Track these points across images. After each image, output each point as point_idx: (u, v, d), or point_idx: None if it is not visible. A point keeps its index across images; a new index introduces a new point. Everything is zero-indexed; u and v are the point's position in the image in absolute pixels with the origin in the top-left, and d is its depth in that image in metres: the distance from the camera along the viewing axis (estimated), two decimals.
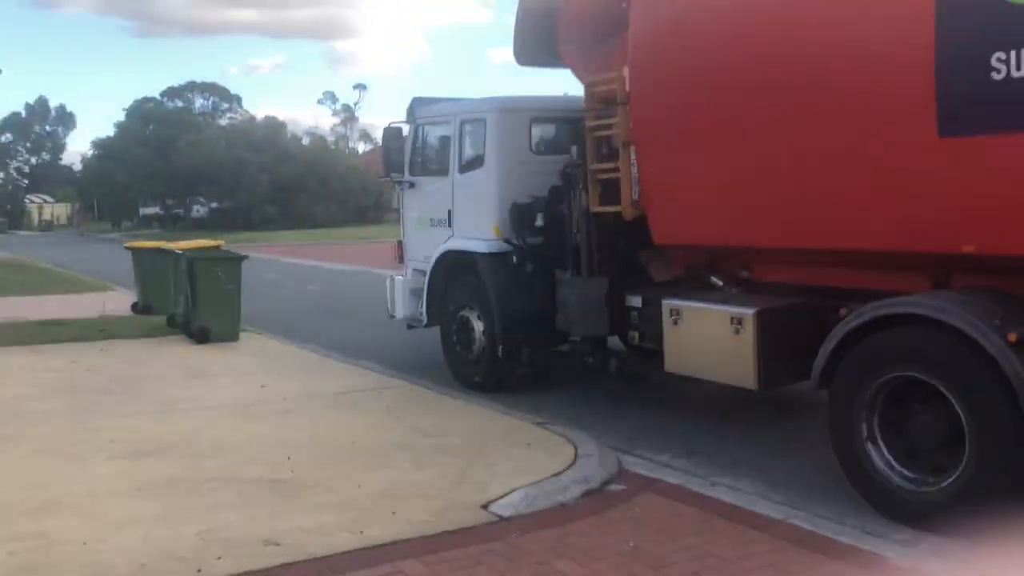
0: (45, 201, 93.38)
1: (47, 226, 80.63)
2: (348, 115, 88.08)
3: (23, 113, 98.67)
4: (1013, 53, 4.69)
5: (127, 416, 7.61)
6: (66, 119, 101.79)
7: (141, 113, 63.46)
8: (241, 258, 11.87)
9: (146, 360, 10.28)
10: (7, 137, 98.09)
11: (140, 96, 69.24)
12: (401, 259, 10.23)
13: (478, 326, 8.75)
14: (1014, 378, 4.62)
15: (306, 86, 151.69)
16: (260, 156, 48.84)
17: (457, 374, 9.08)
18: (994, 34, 4.79)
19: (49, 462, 6.29)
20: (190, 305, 11.56)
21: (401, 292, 9.95)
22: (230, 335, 11.64)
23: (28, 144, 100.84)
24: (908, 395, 5.23)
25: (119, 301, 16.33)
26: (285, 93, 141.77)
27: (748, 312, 6.32)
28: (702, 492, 5.68)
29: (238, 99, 74.44)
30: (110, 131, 67.84)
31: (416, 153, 9.80)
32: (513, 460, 6.14)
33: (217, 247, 12.74)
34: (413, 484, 5.72)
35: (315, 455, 6.38)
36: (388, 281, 10.29)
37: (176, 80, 70.74)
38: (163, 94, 69.18)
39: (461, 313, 8.95)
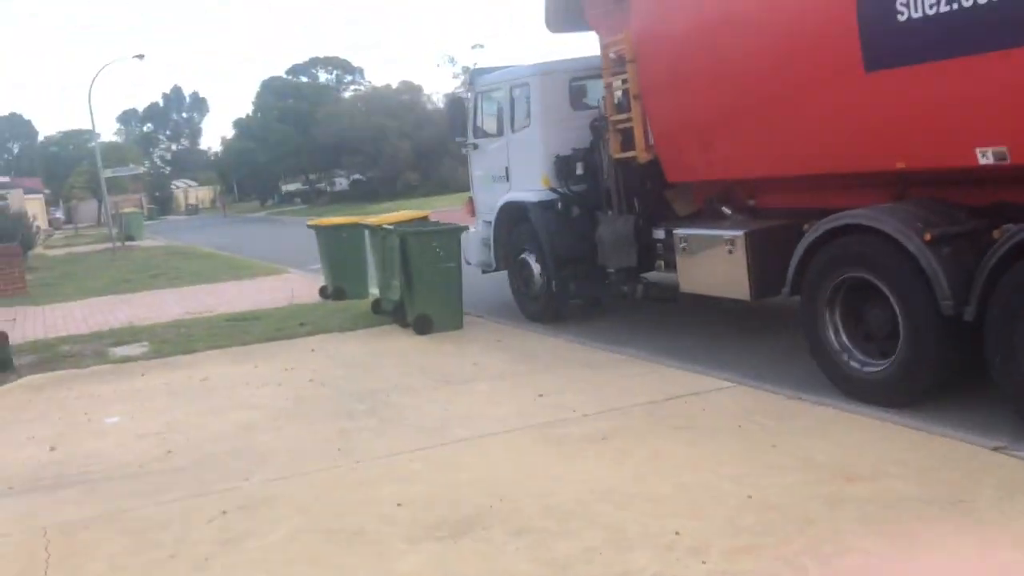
0: (189, 186, 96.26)
1: (193, 209, 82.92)
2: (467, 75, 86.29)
3: (161, 103, 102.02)
4: None
5: (394, 455, 5.62)
6: (200, 105, 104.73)
7: (274, 89, 63.26)
8: (460, 229, 9.84)
9: (371, 362, 8.38)
10: (149, 127, 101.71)
11: (267, 76, 69.44)
12: (473, 213, 11.34)
13: (535, 267, 9.79)
14: (929, 270, 5.42)
15: (418, 54, 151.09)
16: (399, 122, 47.13)
17: (523, 309, 10.21)
18: None
19: (329, 551, 4.30)
20: (405, 289, 9.62)
21: (475, 242, 10.95)
22: (454, 323, 9.68)
23: (168, 132, 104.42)
24: (859, 292, 6.11)
25: (302, 285, 14.78)
26: (400, 63, 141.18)
27: (739, 234, 7.24)
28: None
29: (360, 71, 73.83)
30: (241, 113, 68.30)
31: (477, 118, 10.95)
32: None
33: (424, 218, 10.76)
34: None
35: (710, 526, 4.17)
36: (463, 233, 10.66)
37: (299, 58, 70.20)
38: (288, 72, 69.05)
39: (521, 256, 10.03)
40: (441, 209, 33.09)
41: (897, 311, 5.72)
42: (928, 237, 5.41)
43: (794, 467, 4.80)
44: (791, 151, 6.72)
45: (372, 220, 11.19)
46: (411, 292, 9.60)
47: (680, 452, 5.21)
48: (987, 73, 5.19)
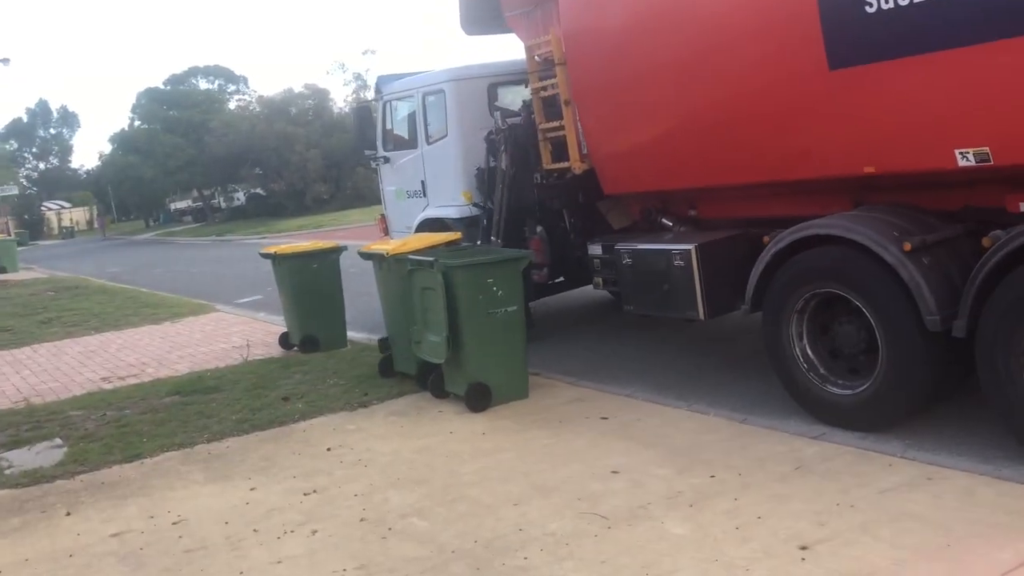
0: (62, 207, 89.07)
1: (69, 232, 76.37)
2: (362, 84, 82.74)
3: (25, 118, 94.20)
4: None
5: None
6: (70, 119, 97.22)
7: (156, 98, 58.03)
8: (523, 258, 6.97)
9: (438, 475, 5.33)
10: (12, 144, 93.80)
11: (143, 87, 63.83)
12: (386, 231, 10.70)
13: None
14: (911, 283, 4.92)
15: (303, 63, 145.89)
16: (306, 129, 43.08)
17: None
18: None
19: None
20: (448, 346, 6.68)
21: None
22: (518, 390, 6.84)
23: (34, 149, 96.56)
24: (830, 310, 5.61)
25: (248, 330, 11.57)
26: (285, 71, 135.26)
27: (689, 247, 6.58)
28: None
29: (244, 79, 69.08)
30: (116, 128, 62.51)
31: (387, 129, 10.31)
32: None
33: (455, 242, 7.80)
34: None
35: None
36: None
37: (176, 68, 64.79)
38: (166, 82, 63.75)
39: None
40: (351, 226, 30.00)
41: (876, 328, 5.22)
42: (907, 247, 4.96)
43: None
44: (742, 158, 6.13)
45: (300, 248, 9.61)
46: (458, 350, 6.68)
47: None
48: (969, 69, 4.70)
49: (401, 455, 5.83)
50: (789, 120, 5.77)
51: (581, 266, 8.15)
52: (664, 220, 7.39)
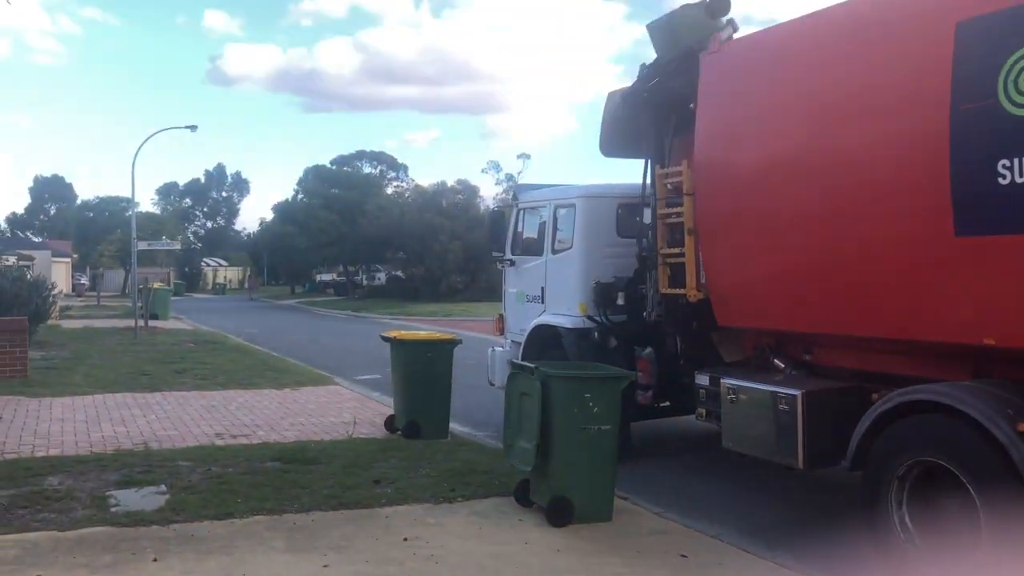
0: (220, 264, 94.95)
1: (220, 289, 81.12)
2: (512, 184, 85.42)
3: (202, 179, 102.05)
4: (1016, 160, 4.91)
5: None
6: (241, 186, 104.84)
7: (321, 176, 61.80)
8: (623, 378, 7.01)
9: None
10: (187, 202, 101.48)
11: (310, 165, 68.18)
12: (502, 331, 11.00)
13: None
14: (1021, 464, 4.69)
15: (460, 159, 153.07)
16: (452, 222, 44.91)
17: None
18: (999, 142, 5.02)
19: None
20: (536, 455, 6.74)
21: (500, 362, 10.40)
22: (601, 511, 6.79)
23: (205, 209, 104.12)
24: (933, 480, 5.34)
25: (359, 407, 11.99)
26: (442, 166, 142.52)
27: (796, 393, 6.41)
28: None
29: (404, 168, 72.85)
30: (279, 198, 66.43)
31: (517, 234, 10.66)
32: None
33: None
34: None
35: None
36: (490, 351, 10.83)
37: (342, 151, 68.98)
38: (333, 162, 67.95)
39: None
40: (479, 318, 30.52)
41: (977, 504, 4.94)
42: (1021, 427, 4.78)
43: None
44: (862, 310, 6.13)
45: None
46: (546, 460, 6.73)
47: None
48: None
49: (472, 557, 5.87)
50: (912, 279, 5.72)
51: (687, 394, 8.04)
52: (776, 360, 7.28)
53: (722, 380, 7.25)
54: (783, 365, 7.21)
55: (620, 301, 8.85)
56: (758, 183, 6.96)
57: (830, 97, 6.35)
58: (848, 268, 6.19)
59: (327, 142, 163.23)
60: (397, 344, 10.19)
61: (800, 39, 6.81)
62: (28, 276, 22.33)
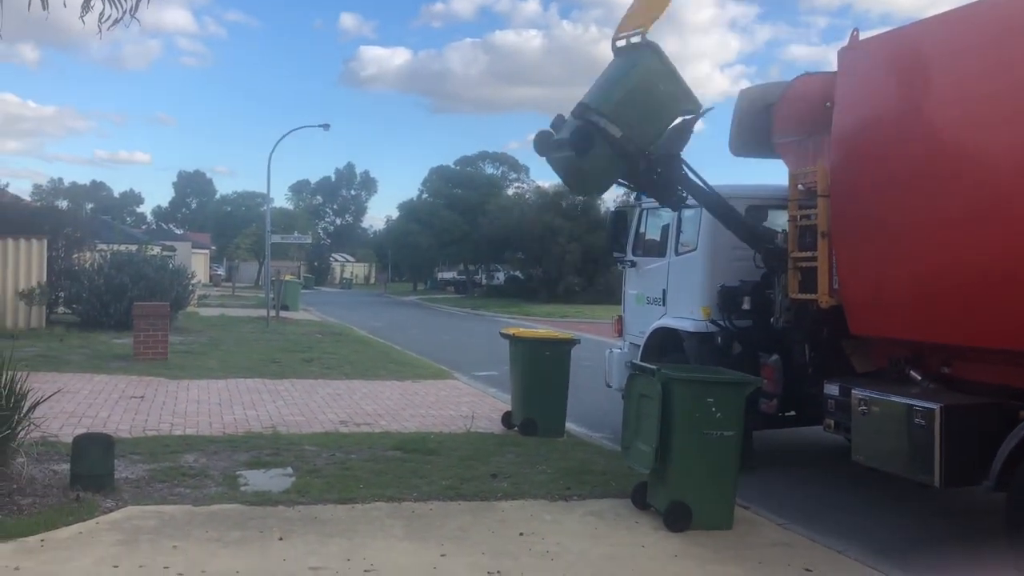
0: (347, 260, 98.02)
1: (346, 283, 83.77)
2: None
3: (332, 177, 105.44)
4: None
5: None
6: (369, 184, 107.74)
7: (444, 176, 62.91)
8: (747, 384, 6.82)
9: None
10: (318, 199, 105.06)
11: (435, 164, 69.33)
12: (620, 333, 10.86)
13: None
14: None
15: None
16: (572, 223, 44.96)
17: None
18: None
19: None
20: (656, 457, 6.63)
21: (618, 364, 10.29)
22: (721, 519, 6.59)
23: (335, 206, 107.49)
24: None
25: (477, 402, 12.11)
26: None
27: (934, 407, 6.13)
28: None
29: (526, 169, 73.01)
30: (404, 196, 67.74)
31: (639, 235, 10.51)
32: None
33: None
34: None
35: None
36: (607, 353, 10.73)
37: (466, 151, 69.46)
38: (456, 163, 68.87)
39: None
40: (595, 320, 30.35)
41: None
42: None
43: None
44: (1009, 321, 5.76)
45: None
46: (665, 464, 6.61)
47: None
48: None
49: (588, 557, 5.82)
50: None
51: (814, 404, 7.79)
52: (912, 372, 6.97)
53: (853, 391, 6.96)
54: (919, 377, 6.90)
55: (746, 306, 8.61)
56: (899, 185, 6.67)
57: (981, 96, 6.00)
58: (997, 277, 5.86)
59: (452, 142, 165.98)
60: (516, 341, 10.24)
61: (949, 36, 6.44)
62: (170, 265, 23.58)
